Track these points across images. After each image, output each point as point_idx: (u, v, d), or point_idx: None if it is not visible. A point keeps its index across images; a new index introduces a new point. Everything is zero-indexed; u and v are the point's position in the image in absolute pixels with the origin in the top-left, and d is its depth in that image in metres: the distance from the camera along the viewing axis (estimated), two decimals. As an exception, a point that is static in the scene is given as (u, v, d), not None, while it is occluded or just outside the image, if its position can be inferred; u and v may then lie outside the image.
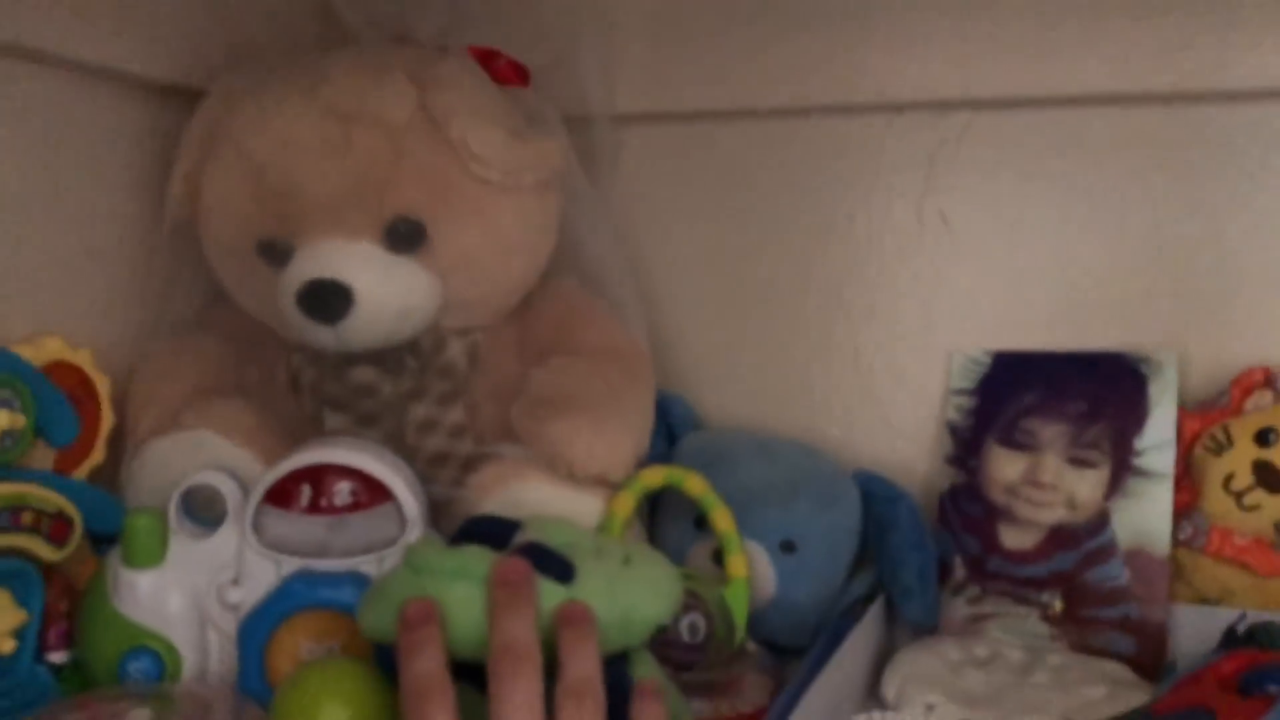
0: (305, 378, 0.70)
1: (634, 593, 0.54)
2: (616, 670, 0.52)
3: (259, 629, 0.58)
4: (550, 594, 0.52)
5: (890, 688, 0.65)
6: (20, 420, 0.58)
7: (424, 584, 0.52)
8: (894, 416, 0.78)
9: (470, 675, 0.52)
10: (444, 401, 0.70)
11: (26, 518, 0.58)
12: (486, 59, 0.72)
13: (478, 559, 0.53)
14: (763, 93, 0.78)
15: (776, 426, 0.79)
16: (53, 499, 0.60)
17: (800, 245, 0.80)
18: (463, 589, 0.51)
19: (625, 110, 0.79)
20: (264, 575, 0.59)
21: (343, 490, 0.59)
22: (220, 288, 0.71)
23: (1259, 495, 0.67)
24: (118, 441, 0.68)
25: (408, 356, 0.69)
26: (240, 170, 0.65)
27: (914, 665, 0.66)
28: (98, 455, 0.66)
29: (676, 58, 0.79)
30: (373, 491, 0.60)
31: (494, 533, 0.56)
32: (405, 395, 0.69)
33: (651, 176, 0.82)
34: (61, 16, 0.64)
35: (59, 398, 0.62)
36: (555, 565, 0.53)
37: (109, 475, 0.67)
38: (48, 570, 0.60)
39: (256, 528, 0.60)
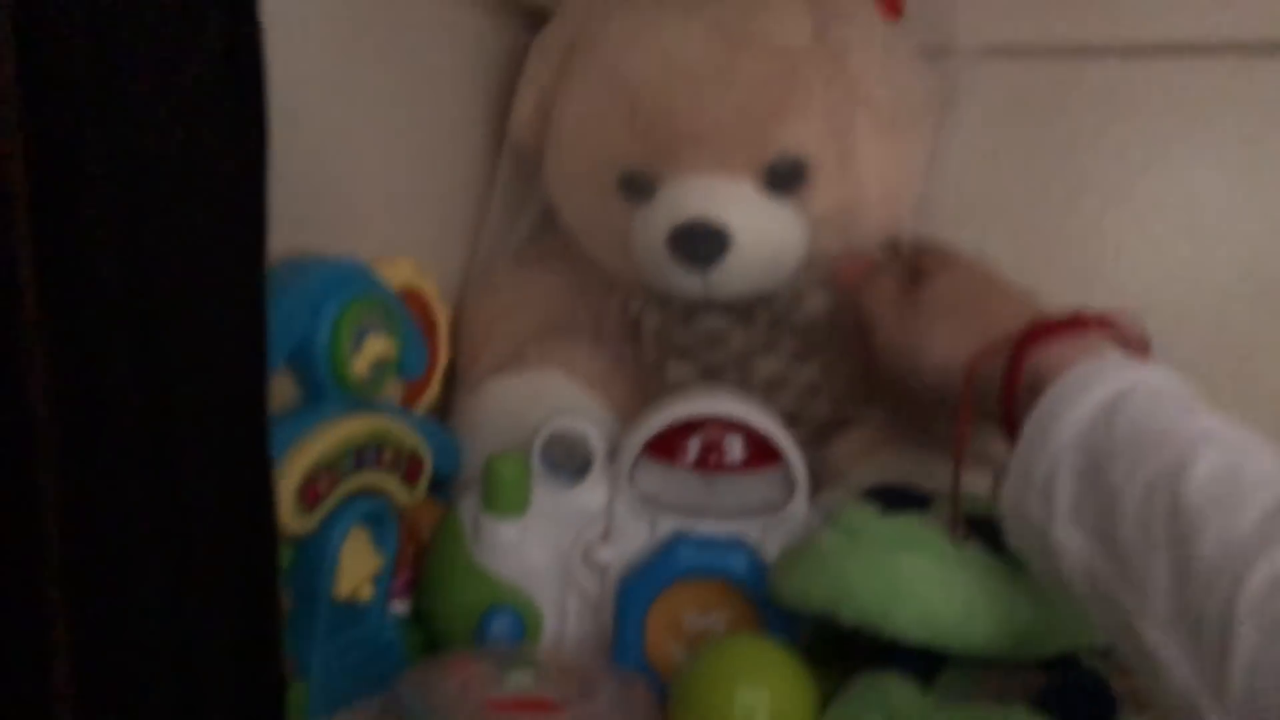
0: (649, 323, 0.64)
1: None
2: (1092, 682, 0.45)
3: (641, 595, 0.52)
4: (1009, 582, 0.45)
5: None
6: (392, 349, 0.53)
7: (864, 551, 0.46)
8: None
9: (912, 663, 0.46)
10: (798, 358, 0.63)
11: (386, 455, 0.54)
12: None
13: (918, 530, 0.46)
14: (1137, 26, 0.70)
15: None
16: (409, 437, 0.55)
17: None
18: (912, 563, 0.45)
19: (991, 42, 0.71)
20: (636, 533, 0.54)
21: (735, 446, 0.53)
22: (551, 221, 0.66)
23: None
24: (450, 378, 0.63)
25: (761, 307, 0.62)
26: (608, 93, 0.60)
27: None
28: (434, 391, 0.62)
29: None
30: (757, 451, 0.54)
31: (911, 501, 0.50)
32: (756, 348, 0.63)
33: (1007, 114, 0.74)
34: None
35: (415, 328, 0.57)
36: (994, 533, 0.46)
37: (440, 415, 0.62)
38: (397, 515, 0.56)
39: (631, 480, 0.54)
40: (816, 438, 0.62)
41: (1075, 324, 0.46)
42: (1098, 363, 0.43)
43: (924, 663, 0.46)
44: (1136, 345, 0.47)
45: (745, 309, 0.62)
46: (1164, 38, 0.71)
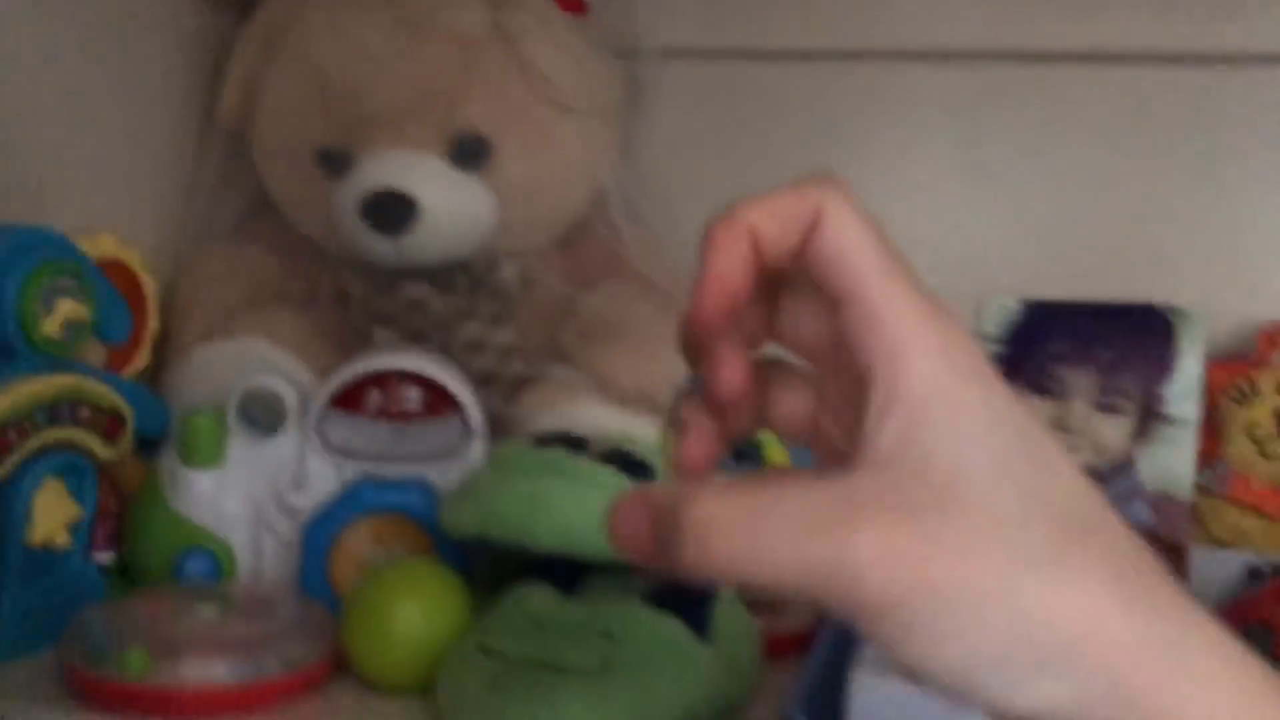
0: (355, 292, 0.69)
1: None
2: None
3: (325, 531, 0.57)
4: (633, 497, 0.53)
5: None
6: (83, 312, 0.57)
7: (513, 481, 0.52)
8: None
9: (552, 574, 0.53)
10: (494, 322, 0.70)
11: (83, 413, 0.57)
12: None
13: (563, 457, 0.53)
14: (807, 34, 0.79)
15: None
16: (108, 396, 0.58)
17: (836, 191, 0.81)
18: (549, 483, 0.52)
19: (670, 44, 0.79)
20: (326, 480, 0.59)
21: (412, 396, 0.59)
22: (266, 198, 0.70)
23: (1281, 443, 0.70)
24: (160, 347, 0.67)
25: (459, 275, 0.68)
26: (304, 76, 0.65)
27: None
28: (142, 359, 0.65)
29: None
30: (437, 401, 0.60)
31: (568, 442, 0.57)
32: (455, 314, 0.69)
33: (689, 114, 0.82)
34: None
35: (114, 294, 0.60)
36: (636, 467, 0.54)
37: (150, 381, 0.66)
38: (97, 469, 0.59)
39: (320, 432, 0.59)
40: (511, 393, 0.69)
41: None
42: None
43: (567, 575, 0.53)
44: None
45: (444, 277, 0.68)
46: (856, 44, 0.81)
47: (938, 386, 0.25)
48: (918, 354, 0.26)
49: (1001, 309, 0.79)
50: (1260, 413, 0.70)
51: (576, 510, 0.51)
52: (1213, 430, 0.72)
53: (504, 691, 0.47)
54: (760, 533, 0.24)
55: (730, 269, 0.28)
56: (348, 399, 0.59)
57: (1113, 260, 0.77)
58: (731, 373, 0.29)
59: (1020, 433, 0.25)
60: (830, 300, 0.27)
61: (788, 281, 0.30)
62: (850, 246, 0.27)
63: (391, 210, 0.62)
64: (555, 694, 0.46)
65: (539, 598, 0.51)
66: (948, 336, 0.26)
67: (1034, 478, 0.25)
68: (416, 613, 0.51)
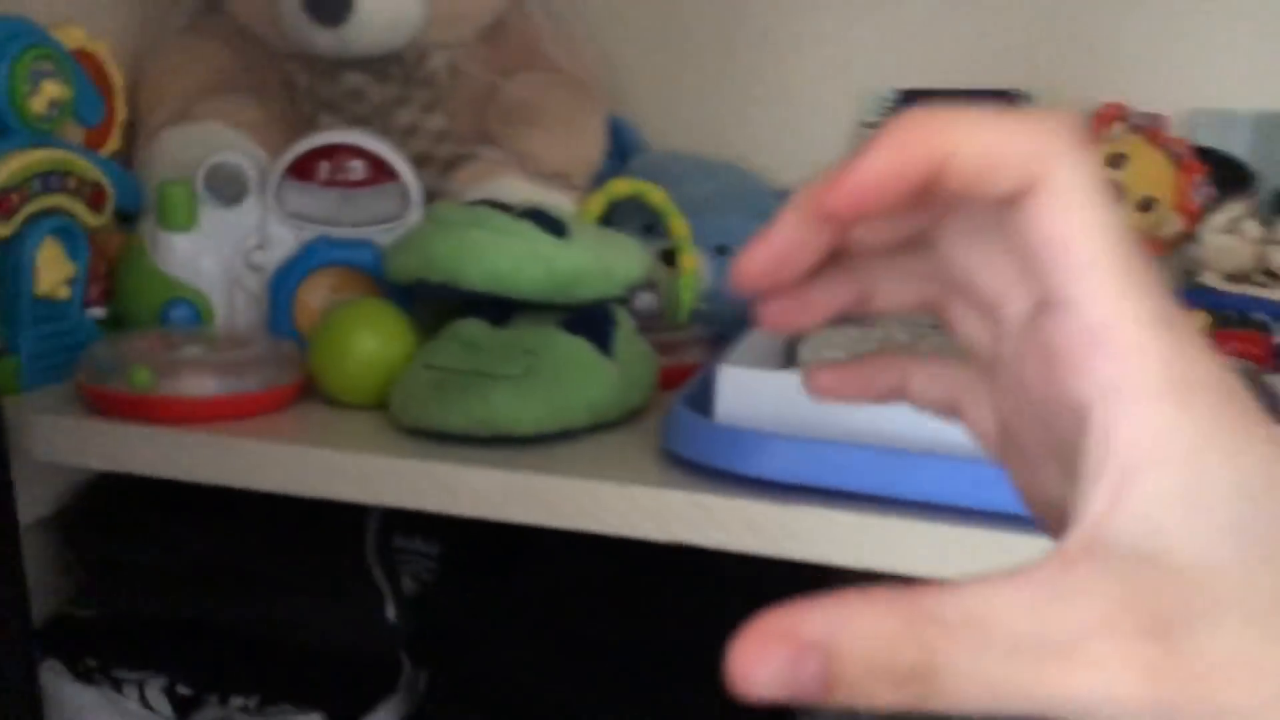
0: (300, 82, 0.77)
1: (615, 251, 0.66)
2: (600, 311, 0.64)
3: (288, 281, 0.67)
4: (547, 244, 0.63)
5: (805, 350, 0.79)
6: (66, 92, 0.65)
7: (447, 232, 0.62)
8: (814, 147, 0.90)
9: (482, 313, 0.64)
10: (426, 109, 0.78)
11: (71, 183, 0.66)
12: None
13: (489, 213, 0.63)
14: None
15: (712, 153, 0.90)
16: (91, 170, 0.67)
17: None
18: (478, 234, 0.62)
19: None
20: (285, 241, 0.69)
21: (357, 166, 0.69)
22: (215, -3, 0.78)
23: (1106, 208, 0.82)
24: (129, 133, 0.75)
25: (394, 65, 0.77)
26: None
27: (825, 336, 0.80)
28: (114, 143, 0.74)
29: None
30: (380, 172, 0.70)
31: (495, 205, 0.67)
32: (392, 101, 0.77)
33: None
34: None
35: (87, 80, 0.68)
36: (551, 223, 0.64)
37: (122, 164, 0.74)
38: (87, 234, 0.68)
39: (278, 200, 0.68)
40: (445, 172, 0.78)
41: None
42: None
43: (495, 312, 0.64)
44: None
45: (380, 67, 0.76)
46: None
47: (1171, 446, 0.20)
48: (1148, 398, 0.21)
49: (879, 99, 0.90)
50: (1090, 182, 0.82)
51: (501, 255, 0.62)
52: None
53: (445, 393, 0.58)
54: (969, 669, 0.19)
55: (883, 186, 0.22)
56: (301, 169, 0.68)
57: (977, 52, 0.87)
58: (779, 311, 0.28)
59: None
60: (1036, 285, 0.23)
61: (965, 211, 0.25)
62: (1078, 233, 0.22)
63: (330, 2, 0.70)
64: (487, 392, 0.58)
65: (472, 327, 0.63)
66: (1188, 368, 0.21)
67: None
68: (371, 340, 0.62)
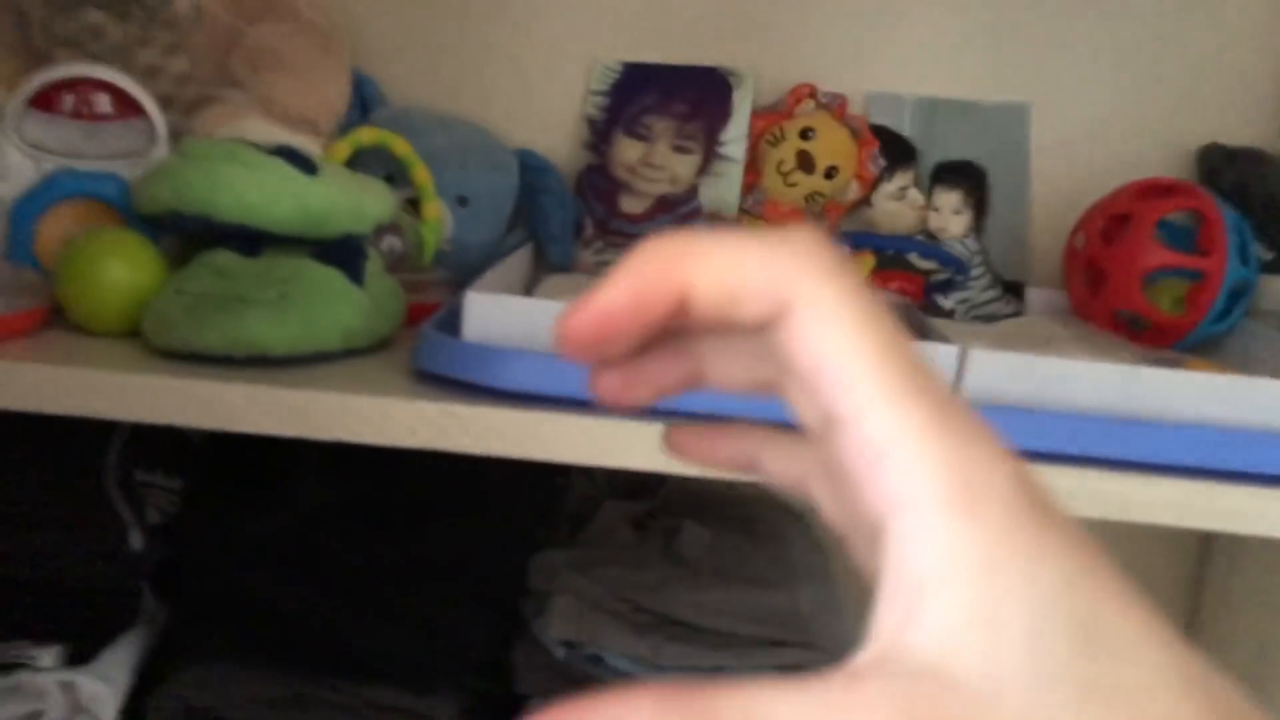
0: (34, 13, 0.76)
1: (363, 190, 0.71)
2: (352, 243, 0.69)
3: (28, 211, 0.67)
4: (299, 180, 0.67)
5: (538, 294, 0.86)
6: None
7: (199, 165, 0.65)
8: (546, 110, 0.97)
9: (240, 243, 0.67)
10: (168, 52, 0.80)
11: None
12: None
13: (241, 147, 0.66)
14: None
15: (450, 112, 0.95)
16: None
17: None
18: (231, 168, 0.65)
19: None
20: (25, 172, 0.69)
21: (103, 100, 0.69)
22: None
23: (798, 175, 0.94)
24: None
25: (135, 5, 0.77)
26: None
27: (553, 285, 0.88)
28: None
29: None
30: (126, 107, 0.71)
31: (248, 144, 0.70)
32: (133, 41, 0.78)
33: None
34: None
35: None
36: (301, 160, 0.68)
37: None
38: None
39: (18, 130, 0.68)
40: (188, 116, 0.80)
41: None
42: None
43: (249, 242, 0.67)
44: None
45: (122, 6, 0.77)
46: None
47: (962, 561, 0.20)
48: (935, 511, 0.20)
49: (606, 70, 0.98)
50: (786, 153, 0.93)
51: (253, 188, 0.65)
52: (753, 166, 0.95)
53: (199, 315, 0.61)
54: None
55: (620, 318, 0.23)
56: (44, 101, 0.68)
57: (693, 32, 0.96)
58: (610, 384, 0.27)
59: (1077, 610, 0.20)
60: (816, 407, 0.22)
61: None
62: (839, 351, 0.21)
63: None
64: (242, 314, 0.61)
65: (224, 256, 0.65)
66: (973, 474, 0.21)
67: (1094, 669, 0.19)
68: (121, 267, 0.64)
